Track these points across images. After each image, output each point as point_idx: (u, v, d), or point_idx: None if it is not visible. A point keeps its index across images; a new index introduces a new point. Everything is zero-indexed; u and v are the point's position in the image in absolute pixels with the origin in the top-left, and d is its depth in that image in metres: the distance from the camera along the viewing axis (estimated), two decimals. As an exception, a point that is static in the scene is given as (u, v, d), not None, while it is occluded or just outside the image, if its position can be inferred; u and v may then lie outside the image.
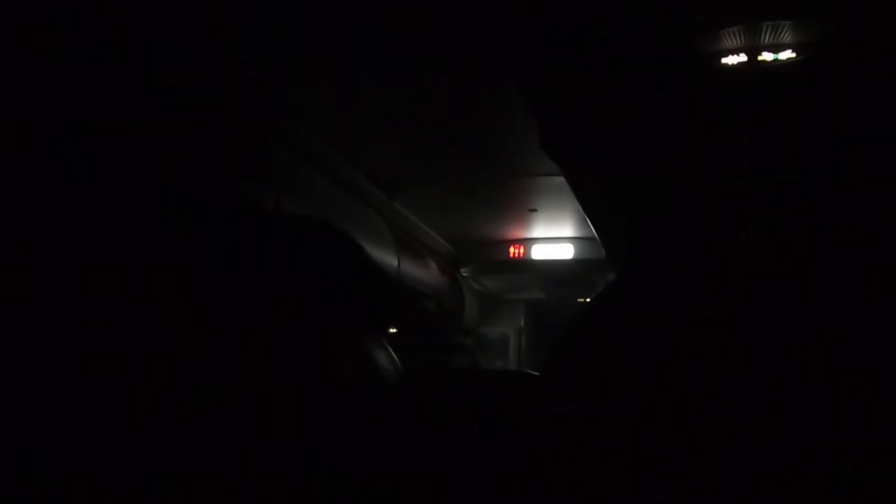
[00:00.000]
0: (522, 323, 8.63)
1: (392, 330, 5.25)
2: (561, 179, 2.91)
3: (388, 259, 4.25)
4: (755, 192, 1.99)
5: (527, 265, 6.40)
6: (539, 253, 6.31)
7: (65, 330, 1.86)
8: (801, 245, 1.43)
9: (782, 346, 1.26)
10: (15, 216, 1.71)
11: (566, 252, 6.24)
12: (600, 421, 1.45)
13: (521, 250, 6.32)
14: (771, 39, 1.61)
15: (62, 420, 1.78)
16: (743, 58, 1.65)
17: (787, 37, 1.61)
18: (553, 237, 6.22)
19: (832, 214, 1.58)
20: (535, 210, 5.32)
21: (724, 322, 1.37)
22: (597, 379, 1.43)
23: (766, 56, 1.64)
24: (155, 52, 2.23)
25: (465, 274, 6.86)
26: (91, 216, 1.98)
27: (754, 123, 1.87)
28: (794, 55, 1.65)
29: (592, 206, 2.98)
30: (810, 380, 1.20)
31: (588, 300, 7.61)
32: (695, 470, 1.37)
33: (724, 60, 1.66)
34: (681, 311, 1.45)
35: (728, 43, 1.61)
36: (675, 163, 2.15)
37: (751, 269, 1.55)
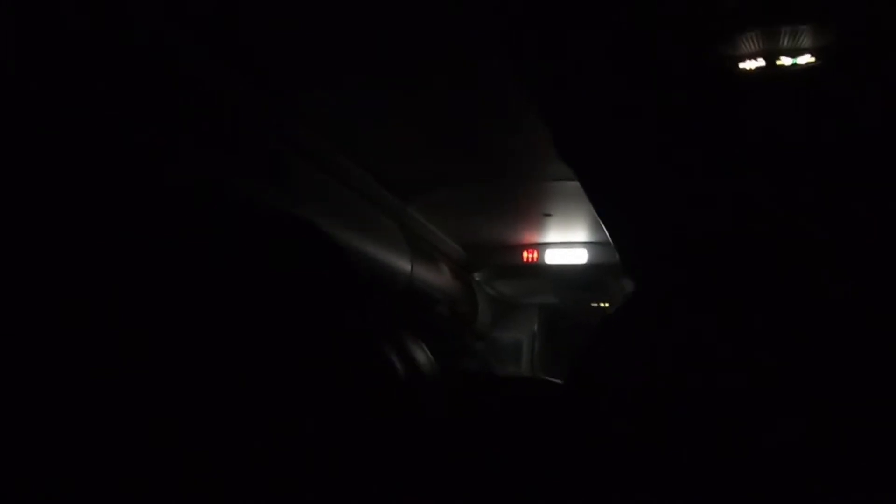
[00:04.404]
0: (536, 328, 8.59)
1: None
2: (575, 184, 2.89)
3: (402, 263, 4.25)
4: (773, 197, 1.97)
5: (540, 270, 6.37)
6: (553, 258, 6.28)
7: (81, 327, 1.88)
8: (825, 252, 1.41)
9: (805, 348, 1.24)
10: (25, 214, 1.73)
11: (580, 257, 6.20)
12: (626, 429, 1.43)
13: (535, 255, 6.29)
14: (789, 44, 1.59)
15: (76, 419, 1.79)
16: (761, 62, 1.63)
17: (805, 41, 1.59)
18: (567, 242, 6.20)
19: (854, 220, 1.55)
20: (549, 215, 5.29)
21: (746, 327, 1.35)
22: (623, 388, 1.42)
23: (785, 60, 1.63)
24: (169, 55, 2.24)
25: (478, 278, 6.84)
26: (107, 218, 1.99)
27: (773, 128, 1.85)
28: (812, 59, 1.63)
29: (607, 210, 2.96)
30: (835, 384, 1.19)
31: (602, 305, 7.59)
32: (718, 476, 1.35)
33: (741, 65, 1.64)
34: (703, 319, 1.43)
35: (746, 47, 1.60)
36: (691, 168, 2.13)
37: (771, 274, 1.53)
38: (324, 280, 3.40)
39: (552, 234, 6.04)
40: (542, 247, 6.30)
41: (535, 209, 5.19)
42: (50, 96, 1.70)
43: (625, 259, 3.62)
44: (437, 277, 5.21)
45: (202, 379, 2.46)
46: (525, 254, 6.33)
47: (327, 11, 2.26)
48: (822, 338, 1.31)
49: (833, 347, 1.27)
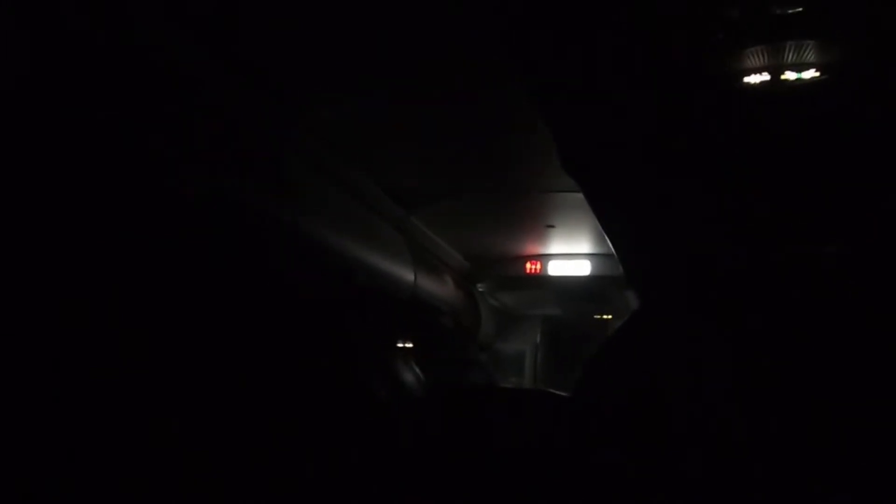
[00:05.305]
0: (538, 339, 8.58)
1: (408, 345, 5.24)
2: (578, 195, 2.89)
3: (405, 274, 4.25)
4: (775, 208, 1.97)
5: (543, 281, 6.38)
6: (556, 269, 6.29)
7: (86, 329, 1.88)
8: (825, 259, 1.41)
9: (806, 353, 1.24)
10: (24, 216, 1.74)
11: (583, 268, 6.21)
12: (632, 442, 1.43)
13: (538, 266, 6.30)
14: (794, 59, 1.59)
15: (82, 418, 1.78)
16: (766, 77, 1.63)
17: (810, 56, 1.59)
18: (570, 253, 6.21)
19: (860, 237, 1.55)
20: (552, 226, 5.30)
21: (749, 335, 1.35)
22: (631, 402, 1.41)
23: (790, 75, 1.63)
24: (177, 66, 2.26)
25: (481, 289, 6.84)
26: (109, 221, 2.00)
27: (776, 141, 1.85)
28: (817, 74, 1.63)
29: (610, 222, 2.96)
30: (836, 387, 1.18)
31: (605, 317, 7.57)
32: (721, 485, 1.34)
33: (746, 79, 1.64)
34: (706, 328, 1.43)
35: (751, 62, 1.60)
36: (694, 181, 2.13)
37: (772, 282, 1.53)
38: (324, 289, 3.38)
39: (555, 246, 6.04)
40: (545, 258, 6.31)
41: (538, 220, 5.20)
42: (51, 98, 1.71)
43: (628, 270, 3.61)
44: (441, 288, 5.20)
45: (193, 381, 2.45)
46: (528, 265, 6.34)
47: (341, 28, 2.28)
48: (824, 344, 1.31)
49: (834, 353, 1.26)
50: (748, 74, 1.63)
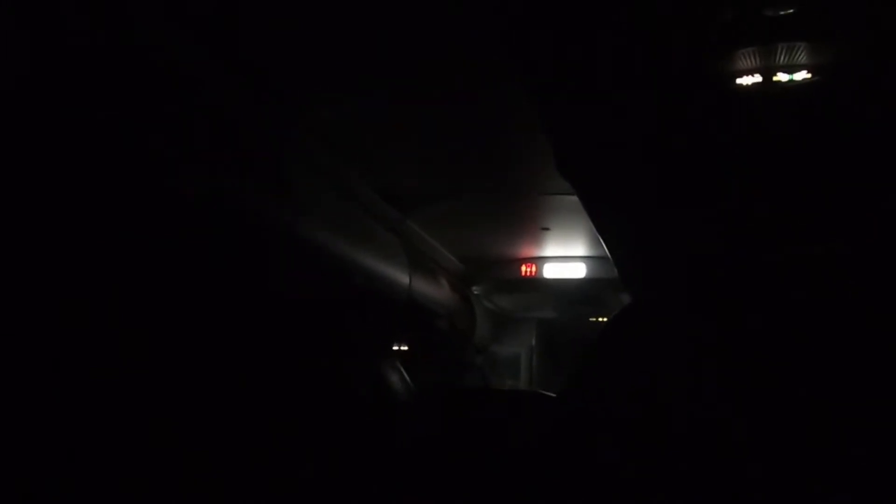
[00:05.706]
0: (534, 342, 8.59)
1: (404, 348, 5.24)
2: (574, 198, 2.90)
3: (401, 276, 4.25)
4: (771, 215, 1.99)
5: (539, 284, 6.40)
6: (551, 272, 6.31)
7: (91, 333, 1.88)
8: (823, 260, 1.43)
9: (805, 355, 1.26)
10: (25, 218, 1.74)
11: (578, 271, 6.24)
12: (619, 441, 1.44)
13: (533, 269, 6.32)
14: (786, 60, 1.62)
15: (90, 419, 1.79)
16: (758, 78, 1.65)
17: (802, 58, 1.62)
18: (565, 256, 6.23)
19: (860, 237, 1.57)
20: (547, 229, 5.33)
21: (745, 336, 1.36)
22: (617, 402, 1.43)
23: (782, 77, 1.65)
24: (177, 66, 2.27)
25: (476, 292, 6.85)
26: (109, 223, 2.01)
27: (769, 143, 1.88)
28: (808, 76, 1.66)
29: (605, 225, 2.97)
30: (836, 389, 1.20)
31: (601, 319, 7.59)
32: (713, 486, 1.36)
33: (739, 81, 1.67)
34: (702, 330, 1.45)
35: (743, 64, 1.62)
36: (689, 184, 2.15)
37: (769, 283, 1.55)
38: (320, 290, 3.39)
39: (550, 249, 6.07)
40: (540, 261, 6.33)
41: (533, 223, 5.22)
42: (51, 98, 1.72)
43: (624, 272, 3.63)
44: (437, 291, 5.21)
45: (189, 379, 2.46)
46: (523, 268, 6.37)
47: (339, 30, 2.29)
48: (824, 344, 1.33)
49: (834, 353, 1.28)
50: (741, 76, 1.65)
